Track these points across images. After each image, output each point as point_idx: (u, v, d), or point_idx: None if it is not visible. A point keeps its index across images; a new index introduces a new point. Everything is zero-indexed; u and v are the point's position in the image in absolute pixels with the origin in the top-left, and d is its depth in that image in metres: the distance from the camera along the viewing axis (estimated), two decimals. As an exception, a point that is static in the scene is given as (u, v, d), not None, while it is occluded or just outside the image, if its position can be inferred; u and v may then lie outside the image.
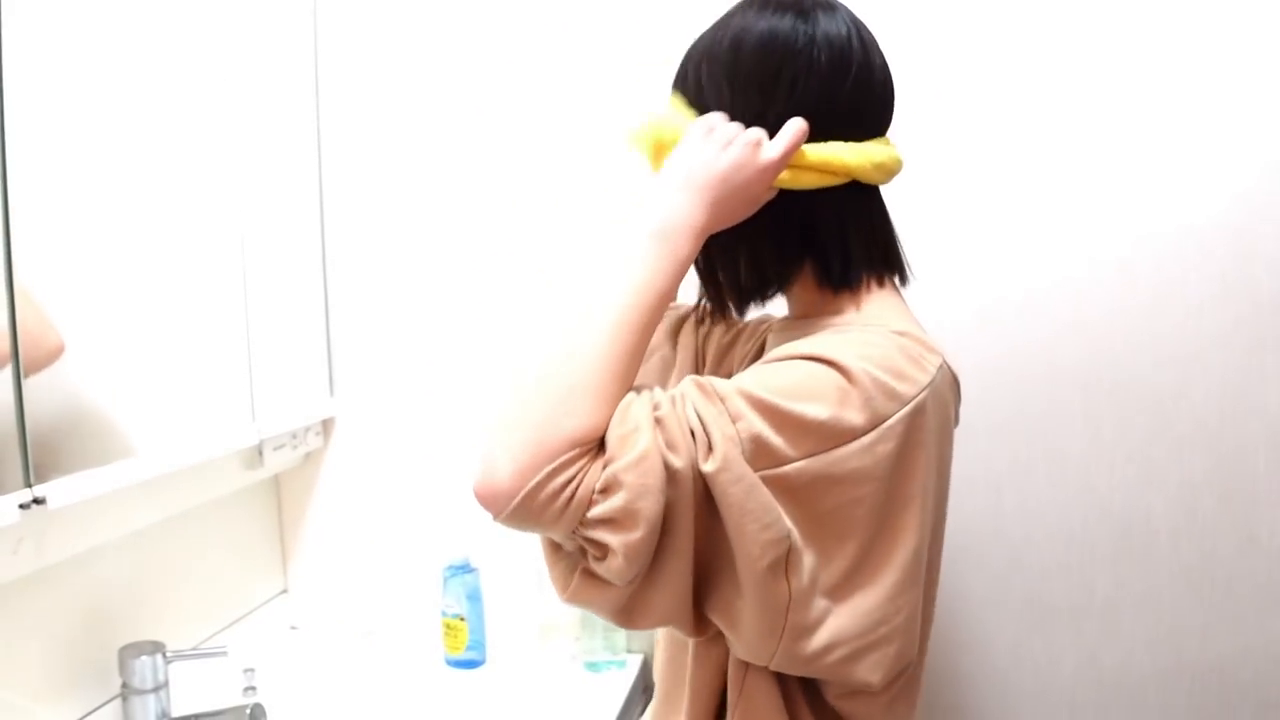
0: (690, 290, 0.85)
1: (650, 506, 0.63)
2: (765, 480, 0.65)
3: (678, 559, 0.66)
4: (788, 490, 0.65)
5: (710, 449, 0.64)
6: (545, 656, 1.42)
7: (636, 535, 0.63)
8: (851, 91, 0.75)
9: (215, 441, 1.24)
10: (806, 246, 0.79)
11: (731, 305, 0.84)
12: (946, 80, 1.25)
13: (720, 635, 0.73)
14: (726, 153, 0.73)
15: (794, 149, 0.73)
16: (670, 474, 0.64)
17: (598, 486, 0.64)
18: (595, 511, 0.64)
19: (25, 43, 0.94)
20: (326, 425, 1.53)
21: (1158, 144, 1.21)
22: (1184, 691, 1.27)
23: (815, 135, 0.74)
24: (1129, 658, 1.28)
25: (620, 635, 1.38)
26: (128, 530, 1.16)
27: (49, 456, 0.97)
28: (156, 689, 1.12)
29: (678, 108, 0.80)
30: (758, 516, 0.64)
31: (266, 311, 1.34)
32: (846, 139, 0.75)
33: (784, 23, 0.75)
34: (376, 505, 1.52)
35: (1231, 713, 1.25)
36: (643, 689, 1.37)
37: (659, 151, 0.79)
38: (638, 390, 0.69)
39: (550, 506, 0.64)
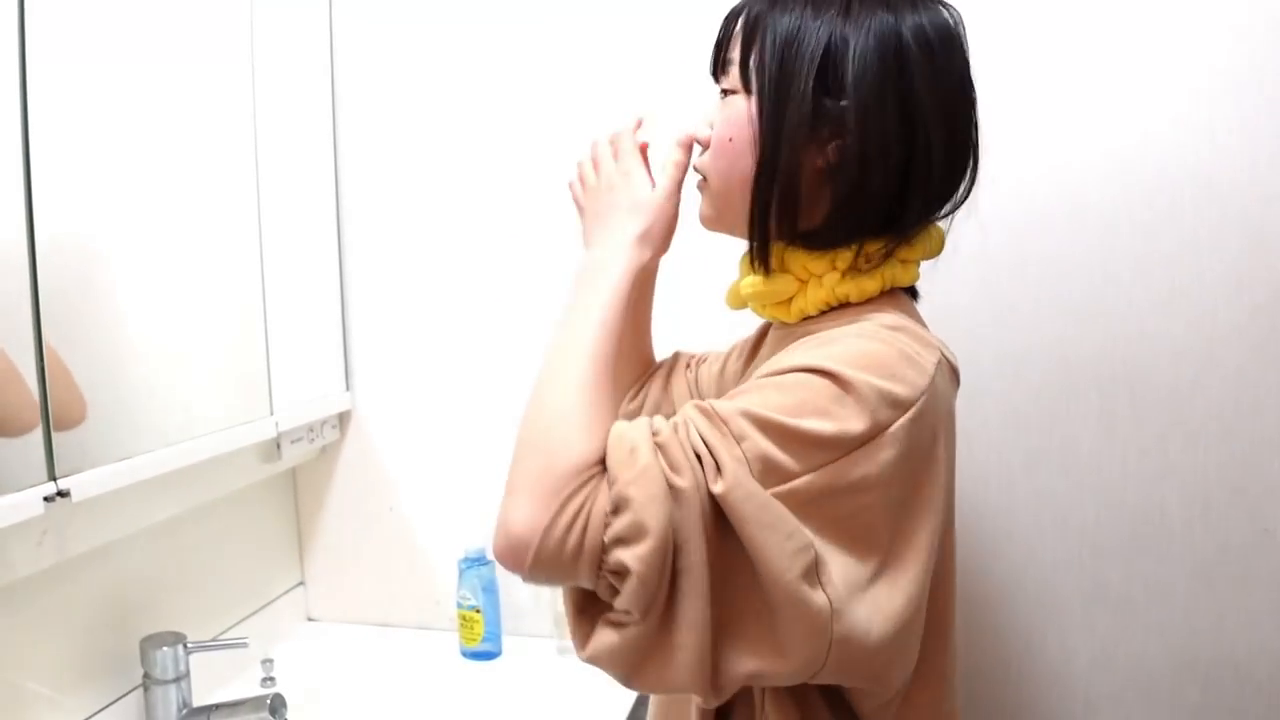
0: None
1: (657, 515, 0.63)
2: (776, 497, 0.65)
3: (692, 587, 0.64)
4: (800, 504, 0.65)
5: (719, 471, 0.64)
6: (560, 648, 1.43)
7: (647, 545, 0.62)
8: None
9: (234, 435, 1.25)
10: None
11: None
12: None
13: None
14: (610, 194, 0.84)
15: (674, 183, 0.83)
16: (674, 492, 0.64)
17: (608, 509, 0.65)
18: (610, 533, 0.64)
19: (49, 50, 0.95)
20: (343, 418, 1.54)
21: (1172, 135, 1.20)
22: (1198, 685, 1.27)
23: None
24: (1143, 651, 1.28)
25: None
26: (148, 523, 1.18)
27: (71, 450, 0.98)
28: (178, 679, 1.14)
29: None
30: (778, 529, 0.64)
31: (284, 306, 1.36)
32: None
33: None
34: (392, 498, 1.53)
35: (1245, 706, 1.25)
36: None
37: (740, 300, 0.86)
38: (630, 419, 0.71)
39: (568, 540, 0.64)
